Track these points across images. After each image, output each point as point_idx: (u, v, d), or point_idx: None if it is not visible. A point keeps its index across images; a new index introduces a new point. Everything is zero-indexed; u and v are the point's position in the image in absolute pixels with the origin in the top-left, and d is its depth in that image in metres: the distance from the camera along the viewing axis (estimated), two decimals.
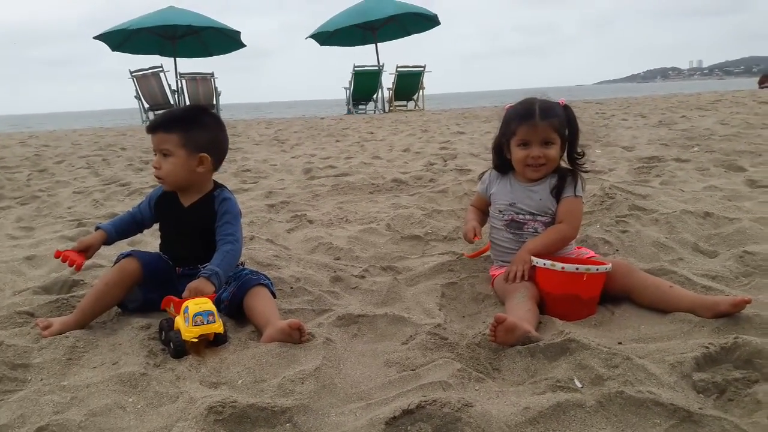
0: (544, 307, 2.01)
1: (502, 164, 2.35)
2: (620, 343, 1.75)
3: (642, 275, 2.07)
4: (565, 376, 1.52)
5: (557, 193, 2.22)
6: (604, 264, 2.01)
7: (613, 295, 2.06)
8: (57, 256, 2.10)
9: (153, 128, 2.14)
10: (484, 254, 2.49)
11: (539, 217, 2.24)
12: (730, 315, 1.79)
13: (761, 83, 18.70)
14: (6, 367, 1.70)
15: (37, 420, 1.43)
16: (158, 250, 2.24)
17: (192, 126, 2.12)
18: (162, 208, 2.24)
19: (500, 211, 2.31)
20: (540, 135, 2.17)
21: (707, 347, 1.58)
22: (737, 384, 1.46)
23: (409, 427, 1.32)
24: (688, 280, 2.13)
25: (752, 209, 3.07)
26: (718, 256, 2.46)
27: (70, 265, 2.09)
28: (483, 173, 2.48)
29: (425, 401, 1.36)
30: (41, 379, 1.67)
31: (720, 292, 2.02)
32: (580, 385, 1.48)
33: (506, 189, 2.32)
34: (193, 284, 1.92)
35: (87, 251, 2.14)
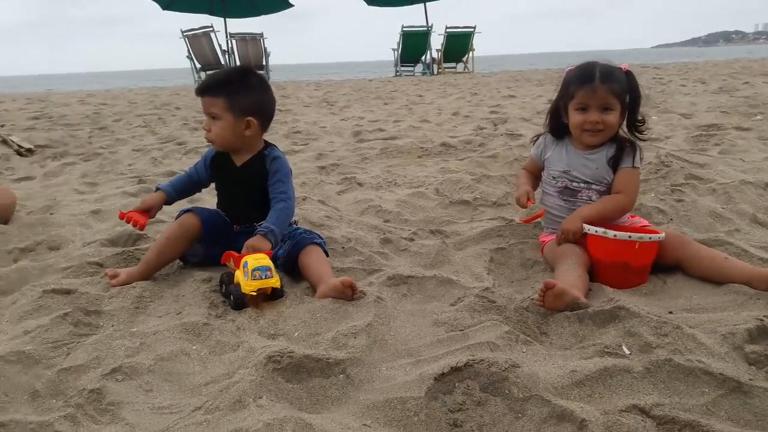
0: (594, 274, 2.01)
1: (559, 128, 2.32)
2: (671, 312, 1.75)
3: (696, 246, 2.04)
4: (613, 343, 1.54)
5: (614, 163, 2.20)
6: (657, 233, 2.00)
7: (666, 265, 2.04)
8: (121, 218, 2.20)
9: (201, 91, 2.20)
10: (536, 220, 2.46)
11: (594, 186, 2.22)
12: None
13: None
14: (81, 312, 1.83)
15: (111, 362, 1.54)
16: (216, 208, 2.33)
17: (238, 89, 2.16)
18: (216, 167, 2.31)
19: (554, 178, 2.30)
20: (599, 99, 2.14)
21: (761, 320, 1.57)
22: None
23: (457, 384, 1.37)
24: (744, 251, 2.10)
25: None
26: None
27: (134, 225, 2.19)
28: (537, 136, 2.45)
29: (473, 360, 1.41)
30: (112, 326, 1.79)
31: None
32: (628, 352, 1.50)
33: (561, 155, 2.30)
34: (250, 241, 2.00)
35: (149, 211, 2.24)
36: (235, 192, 2.28)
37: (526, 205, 2.31)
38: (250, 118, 2.15)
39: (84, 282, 2.09)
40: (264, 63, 17.46)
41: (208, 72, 17.18)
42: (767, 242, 2.22)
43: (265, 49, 17.53)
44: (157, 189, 2.32)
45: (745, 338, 1.52)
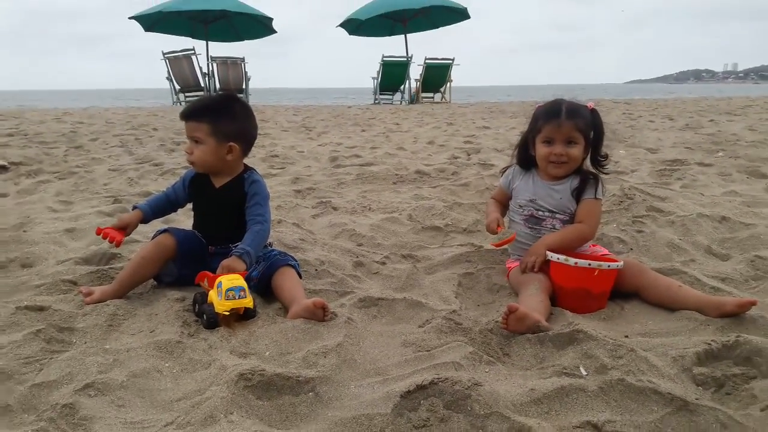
0: (556, 299, 2.10)
1: (527, 160, 2.43)
2: (627, 336, 1.83)
3: (653, 274, 2.15)
4: (571, 364, 1.62)
5: (578, 194, 2.31)
6: (616, 261, 2.10)
7: (624, 292, 2.14)
8: (98, 233, 2.24)
9: (186, 116, 2.26)
10: (506, 245, 2.48)
11: (558, 215, 2.33)
12: (735, 315, 1.86)
13: None
14: (54, 329, 1.85)
15: (84, 378, 1.57)
16: (192, 229, 2.37)
17: (221, 116, 2.23)
18: (195, 188, 2.36)
19: (521, 206, 2.40)
20: (564, 133, 2.26)
21: (709, 344, 1.67)
22: (735, 379, 1.54)
23: (422, 401, 1.43)
24: (697, 280, 2.20)
25: None
26: (730, 259, 2.52)
27: (110, 242, 2.22)
28: (506, 168, 2.56)
29: (438, 378, 1.47)
30: (85, 342, 1.81)
31: (728, 294, 2.09)
32: (585, 373, 1.58)
33: (529, 185, 2.41)
34: (226, 262, 2.05)
35: (125, 229, 2.27)
36: (212, 213, 2.33)
37: (496, 231, 2.39)
38: (232, 143, 2.22)
39: (57, 299, 2.11)
40: (244, 87, 17.56)
41: (188, 94, 17.25)
42: (720, 272, 2.33)
43: (246, 73, 17.65)
44: (134, 208, 2.37)
45: (694, 361, 1.61)
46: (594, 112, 2.32)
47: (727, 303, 1.90)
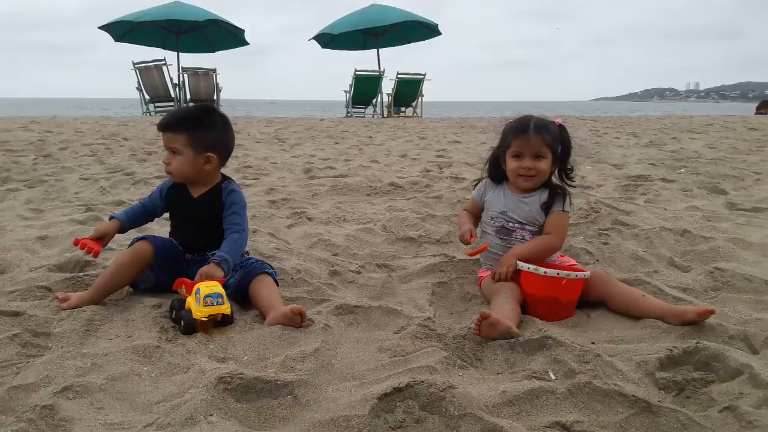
0: (526, 307, 2.17)
1: (498, 174, 2.52)
2: (593, 342, 1.91)
3: (618, 284, 2.24)
4: (540, 368, 1.68)
5: (547, 207, 2.40)
6: (583, 271, 2.19)
7: (591, 301, 2.22)
8: (76, 244, 2.25)
9: (164, 127, 2.29)
10: (477, 255, 2.53)
11: (527, 227, 2.41)
12: (695, 323, 1.95)
13: (759, 109, 18.96)
14: (29, 334, 1.85)
15: (62, 381, 1.58)
16: (168, 237, 2.39)
17: (199, 127, 2.27)
18: (172, 198, 2.38)
19: (492, 218, 2.48)
20: (532, 148, 2.35)
21: (671, 350, 1.75)
22: (695, 383, 1.62)
23: (398, 403, 1.48)
24: (660, 290, 2.30)
25: (728, 230, 3.26)
26: (691, 270, 2.63)
27: (88, 252, 2.22)
28: (478, 180, 2.64)
29: (414, 381, 1.52)
30: (62, 347, 1.82)
31: (689, 303, 2.19)
32: (554, 377, 1.64)
33: (500, 197, 2.49)
34: (204, 269, 2.07)
35: (103, 239, 2.28)
36: (190, 222, 2.35)
37: (469, 241, 2.43)
38: (210, 153, 2.25)
39: (32, 305, 2.10)
40: (215, 97, 17.49)
41: (158, 104, 17.09)
42: (681, 283, 2.44)
43: (217, 84, 17.59)
44: (111, 218, 2.38)
45: (657, 366, 1.69)
46: (561, 128, 2.41)
47: (687, 311, 1.99)
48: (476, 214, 2.62)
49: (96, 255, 2.25)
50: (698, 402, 1.56)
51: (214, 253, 2.18)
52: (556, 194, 2.40)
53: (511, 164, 2.40)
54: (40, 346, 1.82)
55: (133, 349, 1.77)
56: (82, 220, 3.45)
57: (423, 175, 5.43)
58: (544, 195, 2.41)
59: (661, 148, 7.71)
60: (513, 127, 2.41)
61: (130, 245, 2.28)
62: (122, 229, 2.37)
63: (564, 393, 1.53)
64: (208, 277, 2.04)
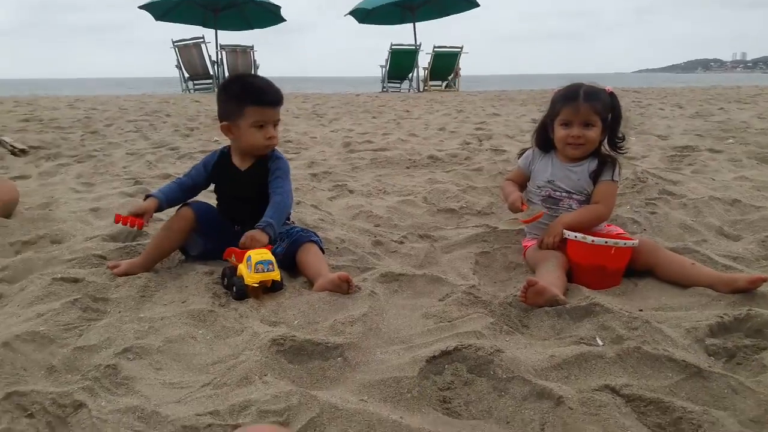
0: (572, 276, 2.16)
1: (546, 143, 2.48)
2: (641, 310, 1.89)
3: (666, 253, 2.20)
4: (588, 335, 1.68)
5: (595, 176, 2.37)
6: (631, 239, 2.16)
7: (638, 270, 2.20)
8: (117, 221, 2.24)
9: (277, 103, 2.30)
10: (533, 222, 2.40)
11: (575, 196, 2.38)
12: (746, 291, 1.91)
13: None
14: (89, 299, 1.93)
15: (122, 343, 1.65)
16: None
17: None
18: (219, 172, 2.40)
19: (539, 187, 2.45)
20: (581, 116, 2.31)
21: (721, 317, 1.73)
22: (746, 350, 1.60)
23: (446, 366, 1.50)
24: (710, 259, 2.26)
25: None
26: (742, 239, 2.57)
27: (132, 226, 2.24)
28: (525, 150, 2.61)
29: (461, 345, 1.54)
30: (119, 312, 1.89)
31: (739, 272, 2.14)
32: (601, 344, 1.64)
33: (547, 166, 2.46)
34: (249, 233, 2.12)
35: (143, 215, 2.26)
36: (238, 195, 2.38)
37: (521, 208, 2.38)
38: None
39: (90, 272, 2.18)
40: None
41: (196, 82, 17.28)
42: (731, 251, 2.39)
43: (255, 61, 17.69)
44: (147, 197, 2.35)
45: (707, 333, 1.67)
46: (612, 95, 2.36)
47: (738, 279, 1.95)
48: (521, 183, 2.58)
49: (140, 227, 2.27)
50: (749, 368, 1.54)
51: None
52: (605, 163, 2.37)
53: (559, 132, 2.37)
54: (100, 311, 1.90)
55: (188, 313, 1.84)
56: (131, 192, 3.56)
57: (462, 148, 5.40)
58: (593, 164, 2.38)
59: (708, 119, 7.48)
60: (563, 95, 2.37)
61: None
62: (160, 208, 2.34)
63: (613, 358, 1.52)
64: (254, 241, 2.09)
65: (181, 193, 2.40)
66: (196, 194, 2.47)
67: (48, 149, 5.38)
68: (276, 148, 2.43)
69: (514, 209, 2.41)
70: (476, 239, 2.69)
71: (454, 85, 18.64)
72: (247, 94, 2.26)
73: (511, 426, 1.32)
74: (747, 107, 9.12)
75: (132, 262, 2.22)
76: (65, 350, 1.61)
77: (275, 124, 2.30)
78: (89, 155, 5.15)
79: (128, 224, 2.23)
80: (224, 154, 2.42)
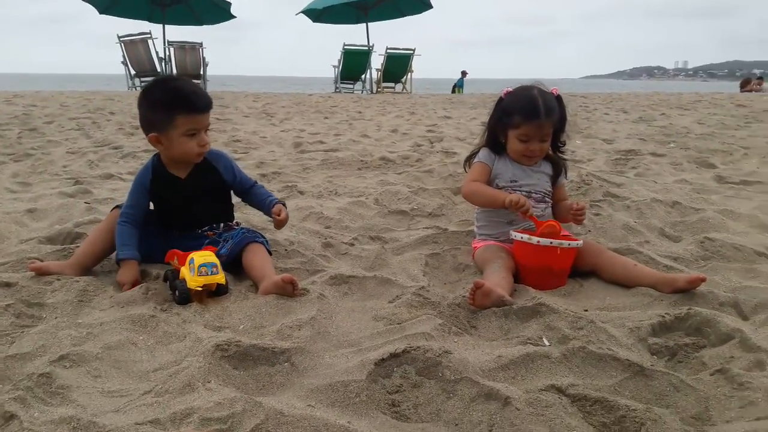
0: (519, 277, 2.19)
1: (497, 146, 2.47)
2: (586, 310, 1.92)
3: (610, 254, 2.25)
4: (534, 335, 1.70)
5: (553, 179, 2.48)
6: (576, 240, 2.20)
7: (583, 271, 2.24)
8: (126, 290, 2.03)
9: (207, 108, 2.19)
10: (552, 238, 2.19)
11: (534, 195, 2.41)
12: (686, 291, 1.97)
13: (742, 87, 19.06)
14: (23, 304, 1.84)
15: (58, 350, 1.58)
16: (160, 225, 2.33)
17: None
18: (159, 186, 2.25)
19: (501, 187, 2.42)
20: (542, 132, 2.34)
21: (663, 316, 1.77)
22: (687, 348, 1.65)
23: (395, 369, 1.49)
24: (652, 259, 2.33)
25: (717, 202, 3.29)
26: (682, 240, 2.66)
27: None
28: (478, 148, 2.54)
29: (410, 347, 1.53)
30: (56, 317, 1.81)
31: (680, 272, 2.21)
32: (548, 344, 1.66)
33: (507, 167, 2.45)
34: (283, 210, 2.29)
35: (136, 282, 2.08)
36: (183, 204, 2.28)
37: (527, 206, 2.24)
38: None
39: (24, 276, 2.08)
40: (201, 72, 17.23)
41: (143, 79, 16.82)
42: (672, 252, 2.46)
43: (204, 58, 17.31)
44: (120, 260, 2.14)
45: (649, 332, 1.71)
46: (559, 99, 2.39)
47: (679, 279, 2.01)
48: (487, 183, 2.47)
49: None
50: (690, 366, 1.59)
51: (268, 198, 2.37)
52: (559, 165, 2.48)
53: (516, 145, 2.37)
54: (34, 317, 1.81)
55: (129, 318, 1.77)
56: (71, 192, 3.42)
57: (414, 150, 5.42)
58: (547, 167, 2.47)
59: (651, 124, 7.73)
60: (521, 108, 2.32)
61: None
62: (140, 263, 2.17)
63: (558, 357, 1.54)
64: (286, 218, 2.28)
65: (136, 229, 2.21)
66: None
67: None
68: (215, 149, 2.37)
69: (523, 208, 2.24)
70: (427, 241, 2.69)
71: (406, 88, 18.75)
72: (176, 102, 2.12)
73: (459, 428, 1.32)
74: (688, 113, 9.47)
75: (61, 263, 2.13)
76: None
77: (206, 129, 2.21)
78: (27, 153, 4.93)
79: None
80: (156, 166, 2.27)
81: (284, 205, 2.33)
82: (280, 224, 2.31)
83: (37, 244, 2.43)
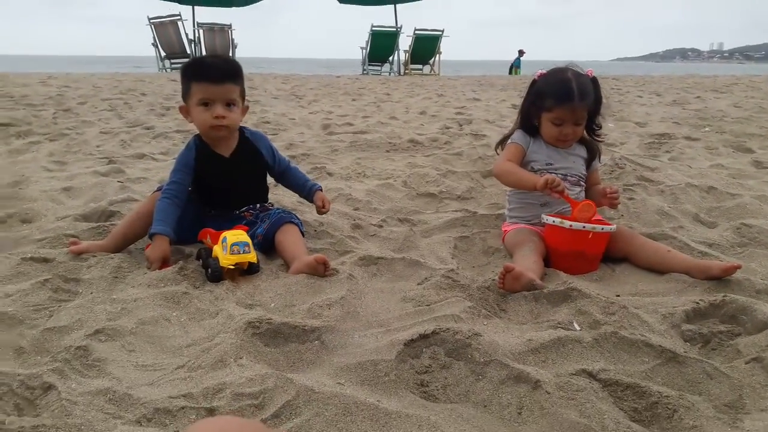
0: (550, 261, 2.17)
1: (531, 128, 2.43)
2: (618, 295, 1.90)
3: (642, 239, 2.21)
4: (565, 319, 1.68)
5: (588, 162, 2.45)
6: (609, 225, 2.16)
7: (615, 257, 2.21)
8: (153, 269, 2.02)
9: (222, 78, 2.12)
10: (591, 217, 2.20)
11: (569, 178, 2.38)
12: (721, 278, 1.93)
13: None
14: (60, 279, 1.89)
15: (94, 324, 1.61)
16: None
17: (241, 71, 2.24)
18: (204, 166, 2.23)
19: (536, 170, 2.38)
20: (576, 116, 2.29)
21: (697, 303, 1.74)
22: (721, 336, 1.62)
23: (424, 349, 1.49)
24: (686, 245, 2.28)
25: (754, 187, 3.21)
26: (717, 226, 2.60)
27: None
28: (511, 131, 2.50)
29: (439, 329, 1.53)
30: (91, 293, 1.85)
31: (715, 258, 2.17)
32: (578, 328, 1.65)
33: (542, 149, 2.41)
34: (325, 198, 2.42)
35: (165, 259, 2.07)
36: (231, 183, 2.28)
37: (561, 185, 2.18)
38: (246, 103, 2.25)
39: (61, 252, 2.13)
40: (231, 54, 17.33)
41: (173, 60, 16.97)
42: (707, 238, 2.41)
43: (233, 40, 17.42)
44: (152, 235, 2.09)
45: (683, 318, 1.69)
46: (594, 81, 2.34)
47: (713, 266, 1.96)
48: (520, 164, 2.43)
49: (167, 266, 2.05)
50: (724, 354, 1.56)
51: (308, 183, 2.46)
52: (593, 148, 2.45)
53: (550, 130, 2.34)
54: (71, 291, 1.86)
55: (162, 295, 1.80)
56: (104, 172, 3.48)
57: (442, 132, 5.38)
58: (581, 150, 2.44)
59: (685, 107, 7.56)
60: (555, 92, 2.28)
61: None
62: (173, 240, 2.12)
63: (590, 342, 1.53)
64: (327, 202, 2.40)
65: (177, 207, 2.17)
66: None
67: (18, 126, 5.24)
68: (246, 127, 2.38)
69: (558, 189, 2.17)
70: (455, 224, 2.68)
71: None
72: (192, 71, 2.17)
73: (488, 410, 1.32)
74: (723, 96, 9.23)
75: (97, 243, 2.16)
76: (34, 331, 1.57)
77: (227, 102, 2.15)
78: (62, 133, 5.02)
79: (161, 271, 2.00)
80: (200, 145, 2.26)
81: (322, 190, 2.43)
82: (322, 214, 2.44)
83: (73, 222, 2.48)
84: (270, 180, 2.48)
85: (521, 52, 21.62)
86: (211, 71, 2.15)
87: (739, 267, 1.94)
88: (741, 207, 2.77)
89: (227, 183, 2.28)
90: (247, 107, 2.28)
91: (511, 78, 15.88)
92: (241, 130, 2.32)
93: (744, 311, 1.69)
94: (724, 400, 1.35)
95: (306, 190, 2.45)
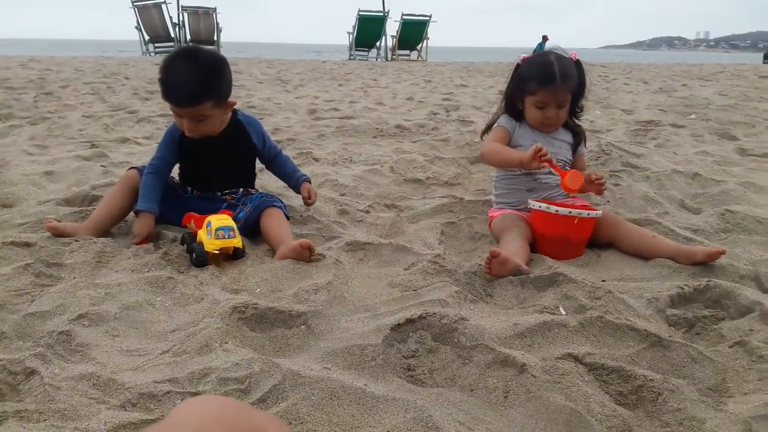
0: (536, 247, 2.17)
1: (515, 113, 2.43)
2: (603, 280, 1.91)
3: (628, 225, 2.22)
4: (551, 304, 1.69)
5: (573, 147, 2.44)
6: (594, 210, 2.17)
7: (600, 242, 2.22)
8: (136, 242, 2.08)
9: (187, 103, 2.07)
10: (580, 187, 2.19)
11: (555, 163, 2.36)
12: (705, 264, 1.95)
13: (766, 58, 18.66)
14: (42, 264, 1.86)
15: (77, 309, 1.59)
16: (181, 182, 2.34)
17: (218, 82, 2.11)
18: (191, 143, 2.21)
19: None
20: (558, 98, 2.29)
21: (682, 288, 1.76)
22: (705, 320, 1.64)
23: (411, 334, 1.49)
24: (671, 231, 2.29)
25: (739, 174, 3.23)
26: (702, 212, 2.62)
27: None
28: (495, 118, 2.50)
29: (426, 313, 1.53)
30: (74, 277, 1.82)
31: (699, 244, 2.18)
32: (564, 313, 1.65)
33: (528, 134, 2.40)
34: (312, 189, 2.41)
35: (149, 235, 2.12)
36: (216, 163, 2.27)
37: (547, 154, 2.15)
38: (230, 100, 2.20)
39: (42, 237, 2.10)
40: (215, 38, 17.14)
41: (157, 45, 16.74)
42: (692, 224, 2.43)
43: (218, 24, 17.21)
44: (137, 212, 2.15)
45: (667, 303, 1.70)
46: (578, 64, 2.34)
47: (698, 252, 1.98)
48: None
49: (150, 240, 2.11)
50: (708, 338, 1.57)
51: (296, 174, 2.47)
52: (579, 133, 2.44)
53: (534, 113, 2.33)
54: (53, 276, 1.83)
55: (146, 279, 1.78)
56: (87, 156, 3.42)
57: (430, 118, 5.36)
58: (567, 135, 2.43)
59: (671, 95, 7.60)
60: (536, 74, 2.28)
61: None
62: (158, 217, 2.17)
63: (576, 326, 1.53)
64: (313, 204, 2.40)
65: (161, 181, 2.20)
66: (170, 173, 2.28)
67: None
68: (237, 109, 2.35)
69: (545, 158, 2.14)
70: (442, 209, 2.68)
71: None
72: (162, 85, 2.09)
73: (474, 393, 1.32)
74: (709, 84, 9.29)
75: (75, 225, 2.14)
76: (16, 316, 1.55)
77: (195, 119, 2.10)
78: (43, 117, 4.94)
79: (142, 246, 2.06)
80: None
81: (310, 181, 2.43)
82: (309, 206, 2.43)
83: (54, 206, 2.44)
84: (259, 165, 2.47)
85: (545, 38, 21.37)
86: (178, 93, 2.08)
87: (723, 252, 1.96)
88: (725, 193, 2.80)
89: (209, 161, 2.27)
90: (233, 103, 2.22)
91: (498, 65, 15.85)
92: (234, 112, 2.29)
93: (728, 296, 1.70)
94: (708, 383, 1.36)
95: (293, 181, 2.46)
